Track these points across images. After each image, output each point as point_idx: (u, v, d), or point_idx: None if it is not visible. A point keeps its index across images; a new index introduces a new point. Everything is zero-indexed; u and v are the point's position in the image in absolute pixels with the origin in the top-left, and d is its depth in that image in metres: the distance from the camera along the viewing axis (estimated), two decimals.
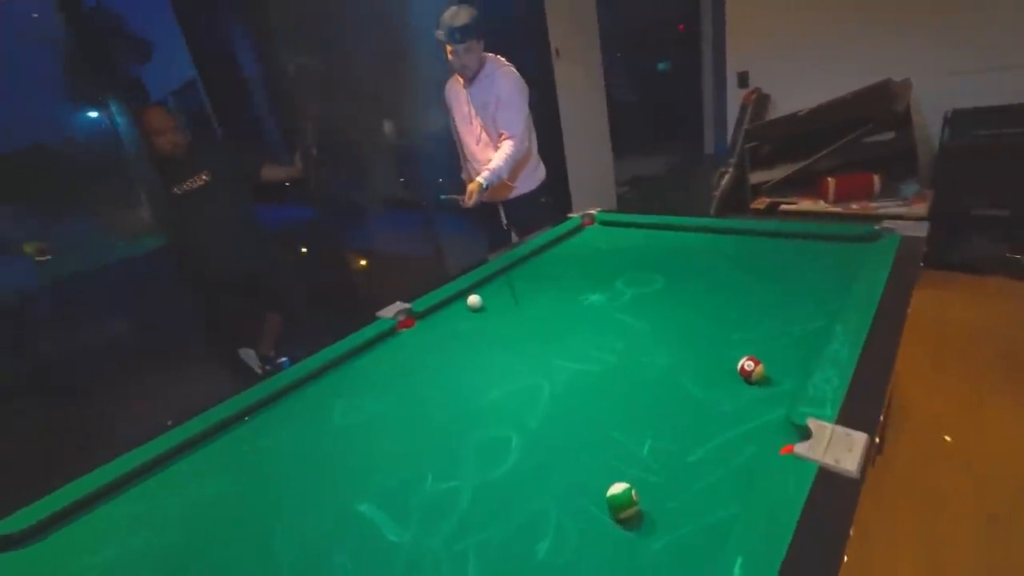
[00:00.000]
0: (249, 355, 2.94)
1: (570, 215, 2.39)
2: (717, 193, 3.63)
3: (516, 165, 2.49)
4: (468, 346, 1.48)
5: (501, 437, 1.07)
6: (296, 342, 3.03)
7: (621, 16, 7.16)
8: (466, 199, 2.29)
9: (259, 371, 2.96)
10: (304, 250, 3.86)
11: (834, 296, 1.32)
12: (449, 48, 2.23)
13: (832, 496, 0.76)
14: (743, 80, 3.75)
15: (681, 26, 7.23)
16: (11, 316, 3.07)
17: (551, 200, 4.22)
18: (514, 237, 2.81)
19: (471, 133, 2.50)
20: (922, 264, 1.39)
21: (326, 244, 3.60)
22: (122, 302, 2.58)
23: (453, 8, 2.19)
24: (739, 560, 0.68)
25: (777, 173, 3.34)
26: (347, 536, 0.89)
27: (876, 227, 1.63)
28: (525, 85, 2.41)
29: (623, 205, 5.34)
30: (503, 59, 2.42)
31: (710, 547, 0.74)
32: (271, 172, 2.75)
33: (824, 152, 3.08)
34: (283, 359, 1.46)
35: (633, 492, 0.81)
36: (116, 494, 1.08)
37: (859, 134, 2.94)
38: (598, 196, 4.97)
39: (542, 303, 1.67)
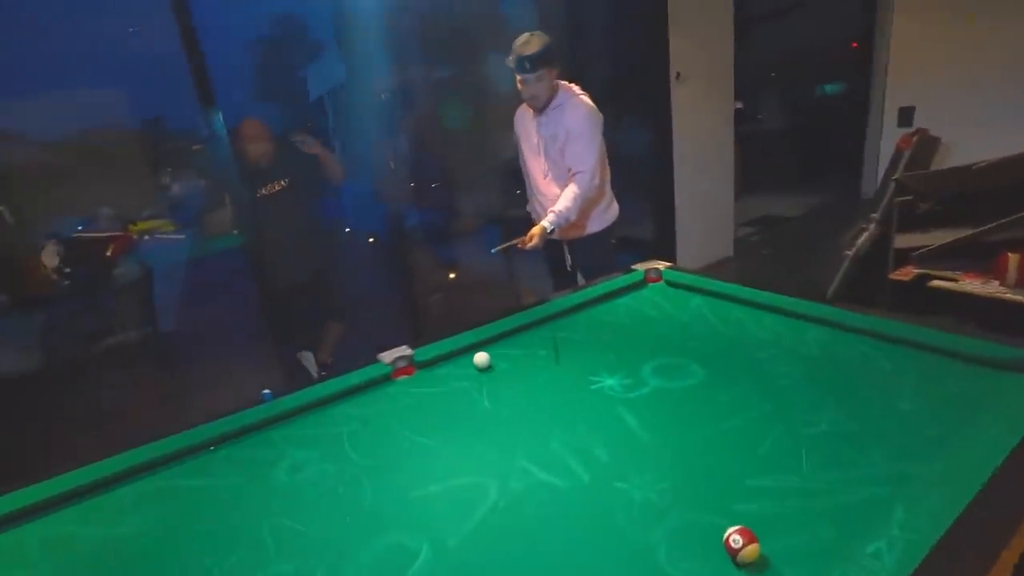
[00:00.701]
0: (308, 358, 3.08)
1: (634, 267, 2.09)
2: (850, 252, 2.99)
3: (586, 204, 2.26)
4: (437, 416, 1.31)
5: (409, 549, 0.89)
6: (355, 352, 3.13)
7: (776, 30, 6.45)
8: (526, 241, 2.11)
9: (315, 375, 3.08)
10: (372, 239, 3.96)
11: (921, 453, 0.91)
12: (519, 77, 2.09)
13: None
14: (906, 117, 3.05)
15: (855, 43, 6.27)
16: (136, 288, 3.57)
17: (657, 237, 3.87)
18: (580, 280, 2.57)
19: (538, 166, 2.33)
20: None
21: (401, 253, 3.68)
22: (206, 294, 2.86)
23: (525, 35, 2.05)
24: None
25: (935, 238, 2.64)
26: None
27: None
28: (599, 117, 2.19)
29: (741, 248, 4.72)
30: (577, 88, 2.22)
31: None
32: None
33: (1008, 220, 2.34)
34: (266, 392, 1.41)
35: None
36: (40, 515, 1.09)
37: None
38: (710, 237, 4.46)
39: (547, 376, 1.43)
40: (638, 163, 4.49)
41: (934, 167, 2.79)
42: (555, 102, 2.15)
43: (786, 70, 7.11)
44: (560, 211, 2.12)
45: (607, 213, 2.41)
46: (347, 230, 4.00)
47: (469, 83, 4.29)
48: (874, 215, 2.98)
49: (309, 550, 0.92)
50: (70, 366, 3.20)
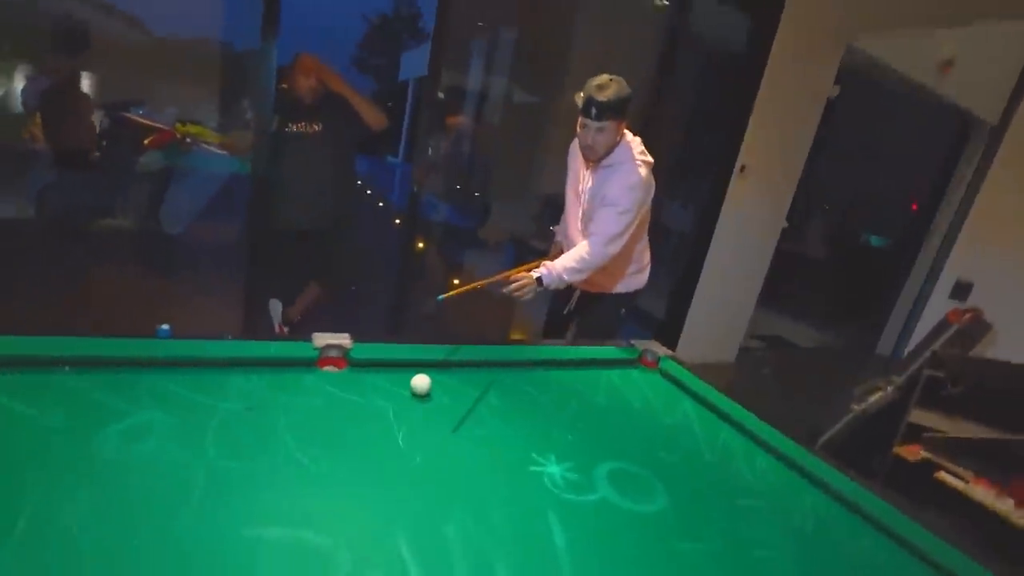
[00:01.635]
0: (276, 308, 2.86)
1: (633, 342, 1.84)
2: (856, 408, 2.73)
3: (612, 265, 1.99)
4: (335, 435, 1.04)
5: None
6: (326, 322, 2.91)
7: (845, 164, 6.31)
8: (513, 288, 1.77)
9: (275, 329, 2.85)
10: (397, 221, 3.84)
11: None
12: (582, 120, 1.80)
13: None
14: (962, 292, 2.82)
15: (916, 205, 6.13)
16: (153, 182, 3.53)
17: (665, 318, 3.64)
18: (570, 332, 2.32)
19: (575, 211, 2.07)
20: None
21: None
22: (215, 211, 2.76)
23: (604, 77, 1.76)
24: None
25: (956, 426, 2.38)
26: None
27: None
28: (648, 188, 1.88)
29: (744, 358, 4.47)
30: (638, 145, 1.91)
31: None
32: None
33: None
34: (164, 327, 1.15)
35: None
36: None
37: None
38: (718, 337, 4.21)
39: (485, 434, 1.17)
40: (674, 236, 4.28)
41: (978, 352, 2.55)
42: (610, 159, 1.87)
43: (840, 206, 7.00)
44: (559, 268, 1.83)
45: (634, 279, 2.16)
46: (380, 204, 3.88)
47: (540, 109, 4.18)
48: (896, 378, 2.72)
49: (78, 538, 0.66)
50: (59, 230, 3.09)
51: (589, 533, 0.92)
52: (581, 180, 2.01)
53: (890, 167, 6.29)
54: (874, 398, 2.72)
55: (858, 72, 3.90)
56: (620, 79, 1.79)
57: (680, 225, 4.28)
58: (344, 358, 1.31)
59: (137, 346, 1.15)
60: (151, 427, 0.95)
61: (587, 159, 1.92)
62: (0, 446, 0.82)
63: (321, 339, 1.32)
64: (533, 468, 1.07)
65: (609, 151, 1.86)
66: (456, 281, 1.77)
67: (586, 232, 1.95)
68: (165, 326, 1.19)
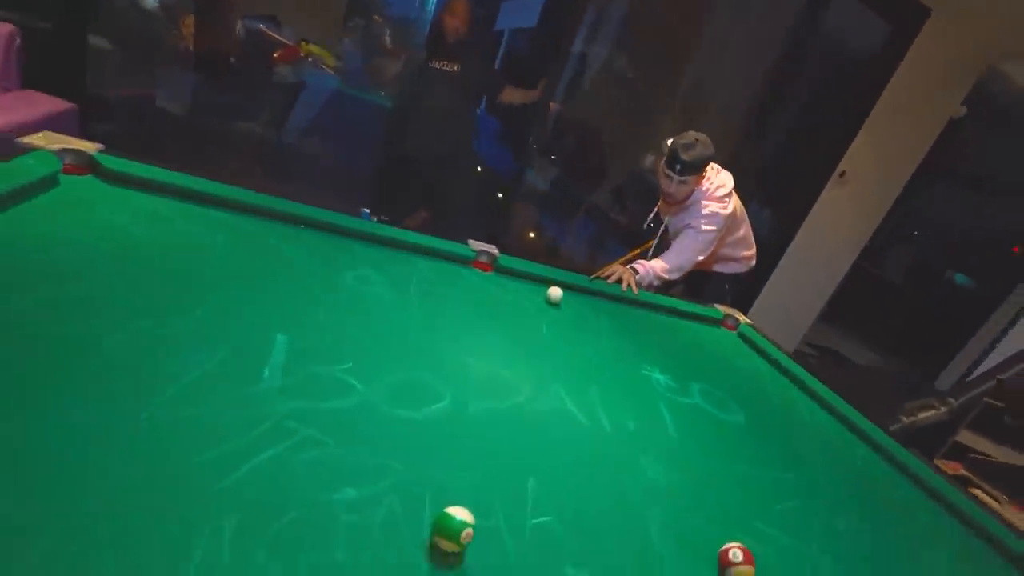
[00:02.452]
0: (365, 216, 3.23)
1: (717, 306, 2.07)
2: (905, 420, 2.86)
3: (681, 273, 2.16)
4: (496, 317, 1.35)
5: (433, 389, 0.94)
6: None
7: (948, 192, 6.06)
8: (614, 280, 1.89)
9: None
10: (500, 195, 4.07)
11: None
12: (665, 170, 2.02)
13: None
14: None
15: (1017, 248, 5.86)
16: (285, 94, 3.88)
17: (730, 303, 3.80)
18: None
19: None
20: None
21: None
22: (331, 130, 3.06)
23: (692, 135, 1.97)
24: None
25: (1003, 454, 2.49)
26: None
27: None
28: (722, 218, 2.08)
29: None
30: (712, 176, 2.10)
31: None
32: (511, 95, 2.94)
33: None
34: (366, 210, 1.48)
35: (465, 534, 0.62)
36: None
37: None
38: (771, 335, 4.31)
39: (604, 345, 1.45)
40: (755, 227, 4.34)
41: None
42: (687, 201, 2.10)
43: (933, 235, 6.71)
44: (655, 270, 2.04)
45: (732, 264, 2.40)
46: (479, 169, 4.02)
47: (645, 87, 4.23)
48: (951, 400, 2.82)
49: (353, 348, 0.99)
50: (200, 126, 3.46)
51: (687, 422, 1.19)
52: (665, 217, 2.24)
53: (1000, 203, 5.97)
54: (925, 414, 2.83)
55: (993, 97, 3.77)
56: (705, 139, 1.99)
57: (761, 222, 4.34)
58: (492, 264, 1.61)
59: (349, 221, 1.47)
60: (371, 278, 1.27)
61: (666, 203, 2.14)
62: (277, 274, 1.16)
63: (477, 245, 1.62)
64: (644, 371, 1.34)
65: (687, 196, 2.08)
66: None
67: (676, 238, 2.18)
68: (366, 210, 1.51)
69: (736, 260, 2.41)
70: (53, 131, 1.28)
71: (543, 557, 0.68)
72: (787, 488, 1.09)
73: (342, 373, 0.88)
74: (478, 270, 1.59)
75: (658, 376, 1.35)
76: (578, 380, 1.17)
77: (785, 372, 1.73)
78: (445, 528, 0.62)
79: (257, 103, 4.08)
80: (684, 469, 1.01)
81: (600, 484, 0.88)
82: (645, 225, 2.45)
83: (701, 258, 2.12)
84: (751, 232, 2.42)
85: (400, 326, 1.11)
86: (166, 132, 3.31)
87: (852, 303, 5.70)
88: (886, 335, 6.10)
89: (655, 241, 2.36)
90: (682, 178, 1.99)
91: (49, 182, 1.11)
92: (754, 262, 2.47)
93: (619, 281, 1.86)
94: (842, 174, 3.70)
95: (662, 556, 0.77)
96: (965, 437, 2.57)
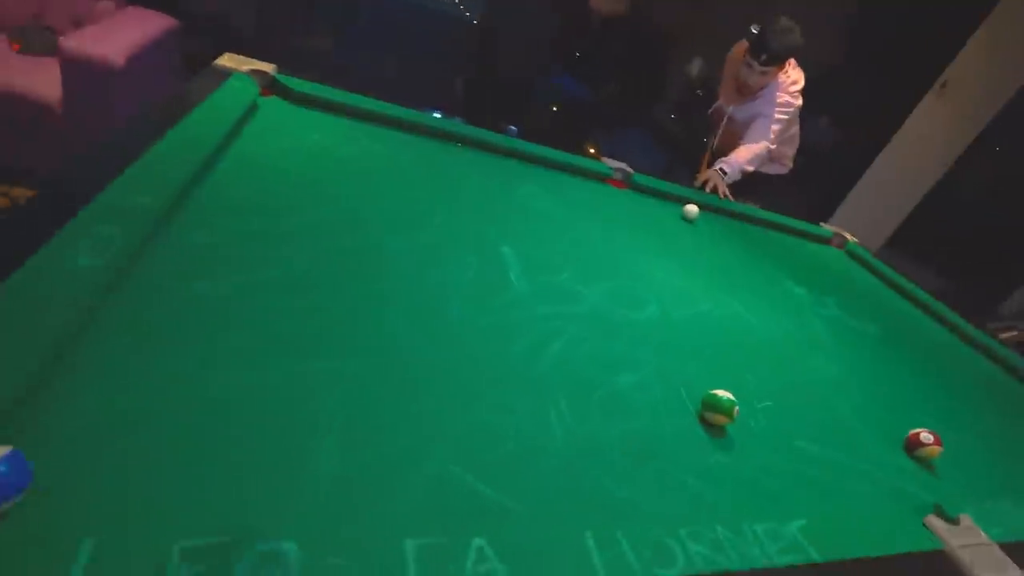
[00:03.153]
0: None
1: (824, 224, 2.10)
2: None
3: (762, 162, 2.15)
4: (642, 230, 1.43)
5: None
6: None
7: None
8: (711, 187, 1.95)
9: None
10: (555, 108, 3.98)
11: None
12: (747, 57, 1.88)
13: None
14: None
15: None
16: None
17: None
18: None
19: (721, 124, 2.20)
20: None
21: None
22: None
23: (786, 22, 1.82)
24: (800, 522, 0.61)
25: None
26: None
27: None
28: (796, 111, 2.03)
29: None
30: (794, 73, 2.01)
31: (761, 496, 0.67)
32: (599, 3, 2.81)
33: None
34: (513, 128, 1.52)
35: (735, 408, 0.75)
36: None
37: None
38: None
39: (743, 259, 1.53)
40: (830, 150, 4.17)
41: None
42: (760, 92, 1.99)
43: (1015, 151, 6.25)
44: (738, 163, 2.01)
45: (775, 165, 2.35)
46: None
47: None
48: None
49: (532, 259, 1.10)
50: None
51: (835, 330, 1.29)
52: (730, 109, 2.14)
53: None
54: (1007, 335, 2.87)
55: None
56: (797, 29, 1.83)
57: (839, 142, 4.14)
58: (627, 181, 1.67)
59: (500, 138, 1.52)
60: (536, 194, 1.35)
61: (740, 94, 2.04)
62: (466, 191, 1.25)
63: (612, 163, 1.67)
64: (784, 285, 1.44)
65: (762, 88, 1.98)
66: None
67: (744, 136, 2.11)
68: (513, 127, 1.56)
69: (781, 162, 2.35)
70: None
71: (776, 432, 0.82)
72: (935, 390, 1.20)
73: (566, 281, 1.00)
74: (613, 187, 1.65)
75: (796, 289, 1.44)
76: (738, 291, 1.27)
77: (899, 288, 1.79)
78: (718, 405, 0.75)
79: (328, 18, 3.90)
80: (851, 368, 1.13)
81: (794, 378, 1.00)
82: (710, 111, 2.40)
83: (774, 147, 2.08)
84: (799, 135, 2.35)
85: (583, 239, 1.21)
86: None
87: (922, 223, 5.52)
88: (954, 258, 5.95)
89: (719, 131, 2.31)
90: (765, 68, 1.91)
91: (254, 106, 1.19)
92: (792, 166, 2.41)
93: (714, 190, 1.90)
94: (943, 85, 3.47)
95: (860, 433, 0.90)
96: None
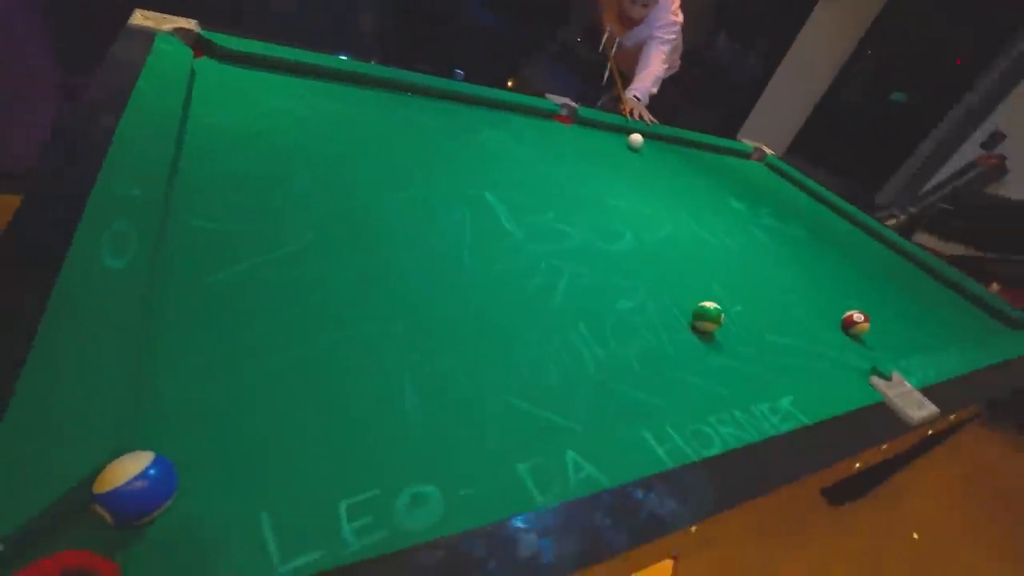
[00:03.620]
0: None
1: (742, 139, 2.28)
2: None
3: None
4: (581, 159, 1.51)
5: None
6: None
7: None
8: (636, 114, 2.01)
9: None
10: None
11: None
12: None
13: (874, 424, 0.81)
14: (993, 141, 3.28)
15: (959, 60, 6.17)
16: None
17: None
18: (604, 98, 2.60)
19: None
20: None
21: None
22: None
23: None
24: (789, 398, 0.75)
25: (948, 248, 3.05)
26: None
27: None
28: (680, 28, 2.15)
29: None
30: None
31: (755, 384, 0.81)
32: None
33: (1009, 257, 2.77)
34: (459, 71, 1.50)
35: (721, 315, 0.88)
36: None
37: None
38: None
39: (684, 183, 1.66)
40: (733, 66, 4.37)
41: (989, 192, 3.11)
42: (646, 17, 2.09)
43: (884, 54, 6.87)
44: (646, 89, 2.11)
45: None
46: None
47: None
48: (910, 208, 3.32)
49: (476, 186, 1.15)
50: None
51: (775, 238, 1.47)
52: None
53: (963, 12, 6.07)
54: (890, 223, 3.33)
55: None
56: None
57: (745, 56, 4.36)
58: (572, 117, 1.71)
59: (449, 84, 1.49)
60: (498, 137, 1.37)
61: (621, 24, 2.12)
62: (433, 142, 1.25)
63: (556, 99, 1.70)
64: (725, 201, 1.58)
65: (645, 16, 2.08)
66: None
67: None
68: (460, 71, 1.53)
69: (671, 67, 2.47)
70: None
71: (750, 331, 0.96)
72: (855, 276, 1.43)
73: (551, 221, 1.06)
74: (560, 123, 1.69)
75: (735, 204, 1.60)
76: (691, 211, 1.39)
77: (812, 193, 2.03)
78: (707, 315, 0.87)
79: None
80: (792, 269, 1.30)
81: (752, 283, 1.15)
82: (600, 49, 2.49)
83: (667, 66, 2.22)
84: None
85: (551, 178, 1.26)
86: None
87: (817, 131, 6.03)
88: (840, 158, 6.60)
89: (612, 63, 2.36)
90: (645, 1, 2.02)
91: (192, 71, 1.09)
92: (680, 64, 2.55)
93: (641, 117, 1.98)
94: None
95: (809, 321, 1.08)
96: (920, 238, 3.09)
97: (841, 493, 1.85)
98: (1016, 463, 2.54)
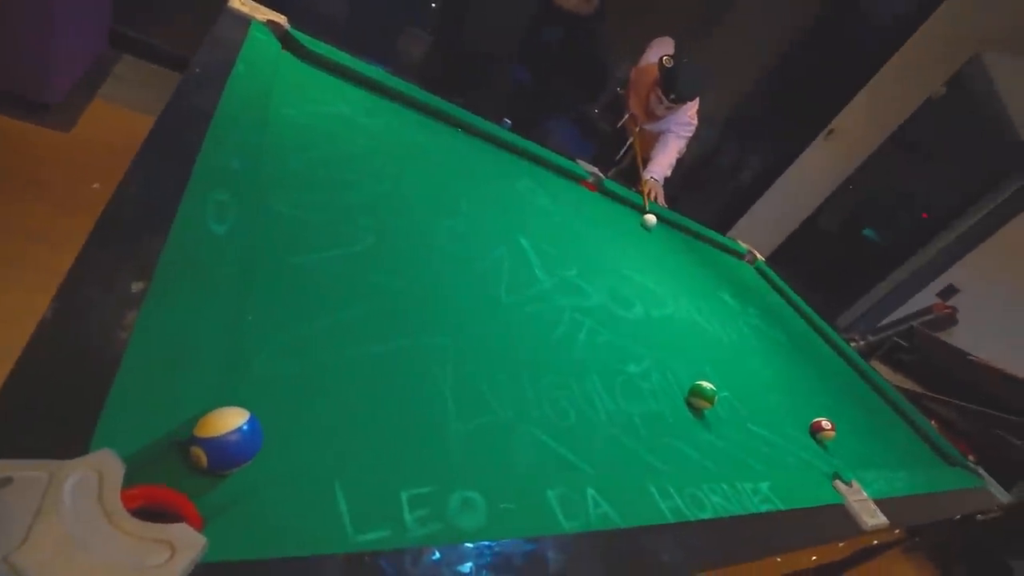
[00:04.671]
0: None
1: (739, 241, 2.46)
2: None
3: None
4: (602, 222, 1.63)
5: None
6: None
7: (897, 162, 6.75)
8: (658, 199, 2.22)
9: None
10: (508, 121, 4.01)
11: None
12: (657, 90, 2.15)
13: (835, 522, 0.89)
14: (949, 292, 3.60)
15: (925, 215, 6.81)
16: None
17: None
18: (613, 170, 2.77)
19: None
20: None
21: None
22: None
23: (696, 69, 2.09)
24: (767, 483, 0.83)
25: (897, 380, 3.27)
26: None
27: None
28: (696, 124, 2.37)
29: None
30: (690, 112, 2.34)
31: (738, 464, 0.89)
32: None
33: (946, 399, 3.00)
34: (507, 121, 1.61)
35: (715, 397, 0.96)
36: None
37: (992, 414, 2.85)
38: None
39: (684, 272, 1.79)
40: (729, 178, 4.71)
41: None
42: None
43: (864, 194, 7.52)
44: (663, 172, 2.33)
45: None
46: None
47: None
48: (869, 336, 3.57)
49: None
50: None
51: (759, 336, 1.59)
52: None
53: (932, 175, 6.74)
54: (852, 345, 3.56)
55: (971, 88, 4.22)
56: (708, 70, 2.15)
57: (745, 167, 4.73)
58: (597, 186, 1.84)
59: (500, 131, 1.60)
60: (533, 189, 1.47)
61: (647, 114, 2.35)
62: (474, 180, 1.34)
63: (586, 167, 1.83)
64: (719, 294, 1.71)
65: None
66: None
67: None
68: (508, 120, 1.65)
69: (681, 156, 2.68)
70: None
71: (734, 417, 1.05)
72: (821, 387, 1.55)
73: (574, 277, 1.14)
74: (586, 188, 1.81)
75: (728, 299, 1.73)
76: (691, 297, 1.51)
77: (793, 304, 2.20)
78: (705, 393, 0.95)
79: None
80: (772, 369, 1.42)
81: (738, 374, 1.25)
82: (617, 126, 2.68)
83: (680, 156, 2.41)
84: None
85: (577, 237, 1.36)
86: None
87: (795, 246, 6.47)
88: (811, 276, 7.06)
89: (636, 145, 2.49)
90: (671, 105, 2.19)
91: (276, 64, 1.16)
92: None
93: (656, 198, 2.16)
94: (830, 132, 4.10)
95: (783, 420, 1.17)
96: (873, 365, 3.32)
97: None
98: None
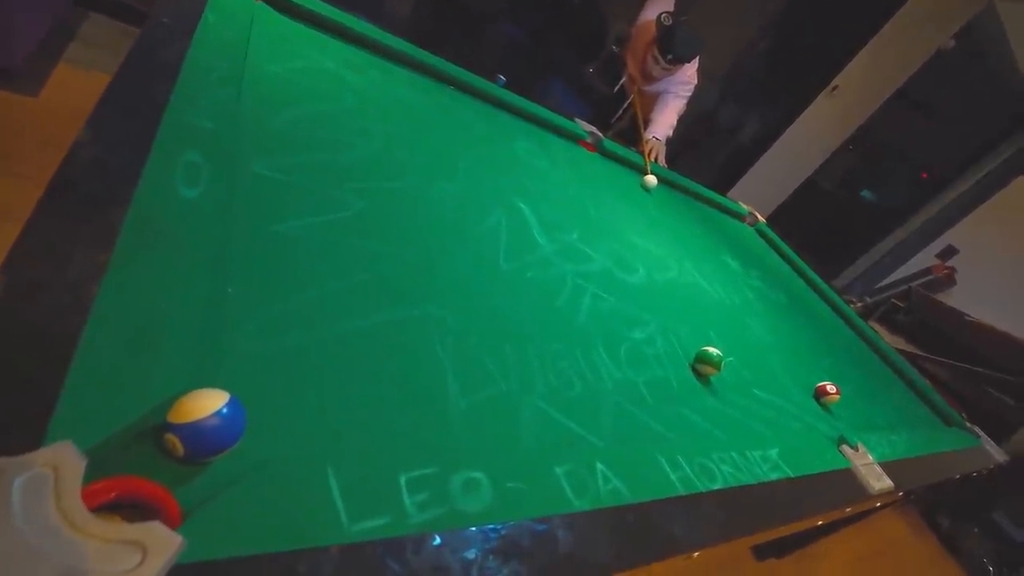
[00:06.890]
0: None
1: (740, 203, 2.40)
2: None
3: None
4: (601, 183, 1.57)
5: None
6: None
7: (903, 117, 6.62)
8: (661, 159, 2.16)
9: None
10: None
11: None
12: (654, 51, 2.05)
13: (843, 487, 0.88)
14: (948, 253, 3.58)
15: (925, 175, 6.73)
16: None
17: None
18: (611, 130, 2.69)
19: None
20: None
21: None
22: None
23: (689, 34, 2.00)
24: (776, 450, 0.81)
25: (894, 340, 3.29)
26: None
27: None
28: (695, 83, 2.28)
29: None
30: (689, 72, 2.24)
31: (746, 431, 0.87)
32: None
33: (942, 359, 3.02)
34: (501, 77, 1.53)
35: (722, 362, 0.93)
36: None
37: (987, 374, 2.88)
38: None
39: (685, 231, 1.74)
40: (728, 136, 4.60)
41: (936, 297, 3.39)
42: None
43: (864, 150, 7.40)
44: (665, 131, 2.22)
45: None
46: None
47: None
48: (866, 298, 3.56)
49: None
50: None
51: (760, 297, 1.56)
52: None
53: (936, 134, 6.61)
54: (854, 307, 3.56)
55: (980, 38, 4.08)
56: (699, 38, 2.04)
57: (747, 123, 4.61)
58: (596, 146, 1.77)
59: (495, 90, 1.52)
60: (531, 151, 1.40)
61: (644, 75, 2.26)
62: (471, 141, 1.27)
63: (585, 126, 1.75)
64: (721, 257, 1.67)
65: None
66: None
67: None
68: (502, 77, 1.56)
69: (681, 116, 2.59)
70: None
71: (740, 382, 1.03)
72: (824, 349, 1.53)
73: (576, 242, 1.09)
74: (585, 149, 1.74)
75: (730, 261, 1.69)
76: (693, 260, 1.47)
77: (794, 266, 2.16)
78: (711, 359, 0.92)
79: None
80: (774, 331, 1.39)
81: (742, 338, 1.22)
82: (615, 89, 2.60)
83: (679, 115, 2.32)
84: None
85: (577, 200, 1.30)
86: None
87: (794, 207, 6.41)
88: (809, 236, 7.02)
89: (636, 106, 2.40)
90: (668, 66, 2.11)
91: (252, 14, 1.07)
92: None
93: (657, 158, 2.07)
94: (834, 88, 3.98)
95: (787, 383, 1.16)
96: (875, 327, 3.32)
97: (765, 550, 1.96)
98: (917, 544, 2.75)
